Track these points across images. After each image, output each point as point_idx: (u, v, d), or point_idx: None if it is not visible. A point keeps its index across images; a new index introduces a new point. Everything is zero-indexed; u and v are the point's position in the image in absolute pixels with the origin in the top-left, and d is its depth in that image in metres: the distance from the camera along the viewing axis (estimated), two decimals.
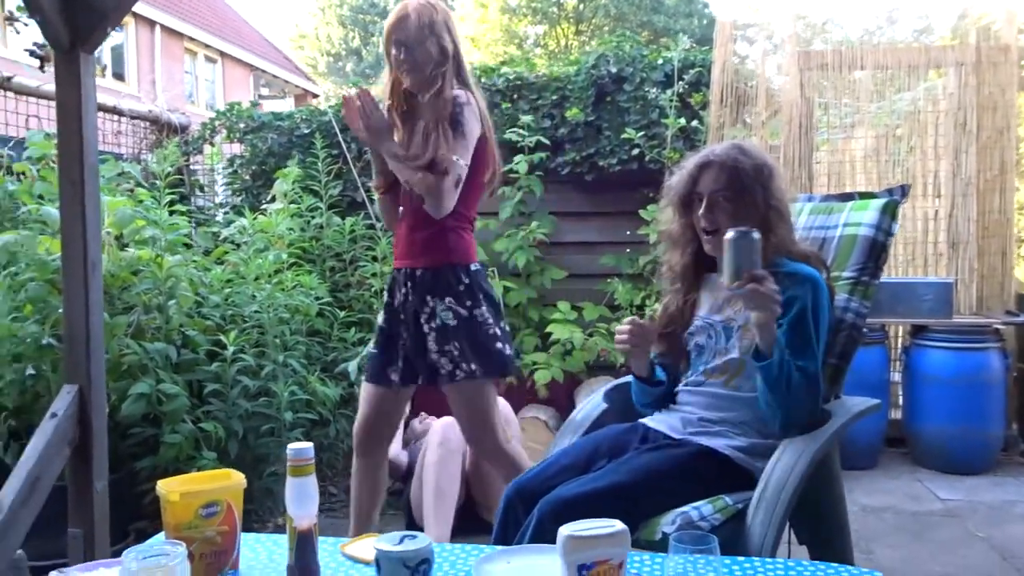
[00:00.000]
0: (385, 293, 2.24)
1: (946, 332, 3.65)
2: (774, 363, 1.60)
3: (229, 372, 2.84)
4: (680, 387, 1.87)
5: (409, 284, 2.12)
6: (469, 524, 2.69)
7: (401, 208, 2.18)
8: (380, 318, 2.23)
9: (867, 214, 1.94)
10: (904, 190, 1.95)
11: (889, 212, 1.92)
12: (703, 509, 1.56)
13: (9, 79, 3.47)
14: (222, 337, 2.86)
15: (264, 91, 16.93)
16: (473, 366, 2.07)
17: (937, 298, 3.71)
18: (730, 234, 1.58)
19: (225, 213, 4.62)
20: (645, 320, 1.84)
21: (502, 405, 2.72)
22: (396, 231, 2.22)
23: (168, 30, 14.51)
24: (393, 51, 2.06)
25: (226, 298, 3.17)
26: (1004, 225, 4.13)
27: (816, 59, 4.30)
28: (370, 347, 2.30)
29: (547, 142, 4.31)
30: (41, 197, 2.88)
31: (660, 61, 4.32)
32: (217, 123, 4.86)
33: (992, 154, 4.12)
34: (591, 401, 2.10)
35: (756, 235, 1.57)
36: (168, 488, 1.30)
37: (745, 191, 1.73)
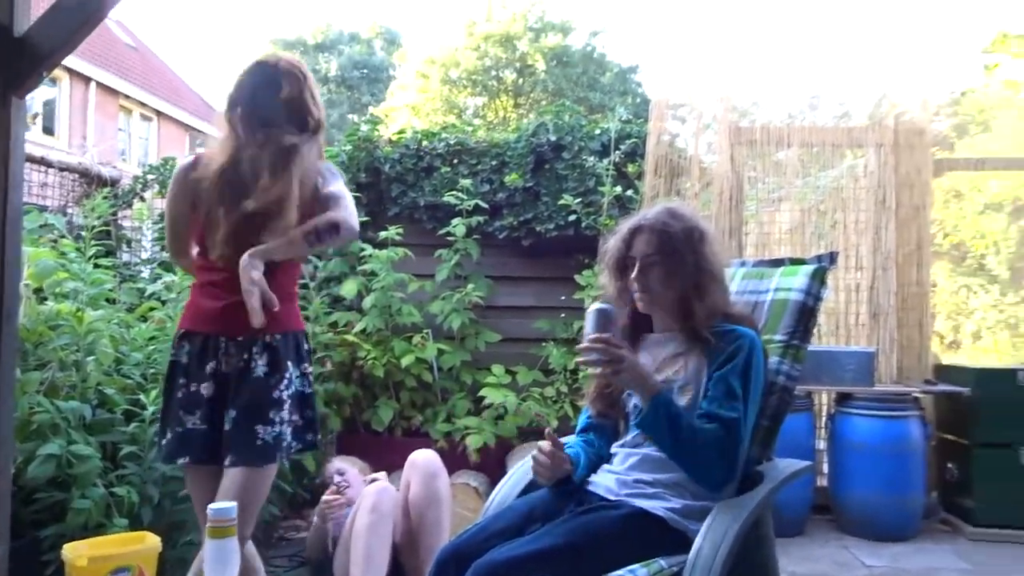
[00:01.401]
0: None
1: (869, 400, 3.75)
2: (660, 417, 1.62)
3: (147, 433, 2.71)
4: (616, 447, 1.85)
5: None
6: None
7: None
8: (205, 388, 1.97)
9: (797, 279, 2.00)
10: (832, 257, 2.02)
11: (818, 278, 1.98)
12: (638, 572, 1.53)
13: None
14: (142, 396, 2.73)
15: (200, 150, 16.74)
16: None
17: (859, 367, 3.82)
18: (591, 308, 1.67)
19: (152, 269, 4.49)
20: (555, 449, 1.78)
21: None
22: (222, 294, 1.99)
23: (104, 87, 14.33)
24: None
25: (149, 356, 3.05)
26: (921, 298, 4.32)
27: (746, 135, 4.49)
28: (196, 422, 1.95)
29: (485, 206, 4.35)
30: None
31: (598, 131, 4.45)
32: (149, 177, 4.76)
33: (910, 230, 4.33)
34: (524, 464, 2.07)
35: (611, 310, 1.66)
36: (75, 552, 1.22)
37: (675, 254, 1.77)
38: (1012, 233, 6.86)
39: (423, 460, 2.70)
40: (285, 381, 1.96)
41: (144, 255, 4.76)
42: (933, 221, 4.66)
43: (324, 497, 2.80)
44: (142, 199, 4.74)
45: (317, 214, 1.90)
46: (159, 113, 16.04)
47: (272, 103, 1.94)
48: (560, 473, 1.78)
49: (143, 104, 15.54)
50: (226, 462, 1.89)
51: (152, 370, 2.98)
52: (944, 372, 4.17)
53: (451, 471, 3.79)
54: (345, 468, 3.15)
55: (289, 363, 1.98)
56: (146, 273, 4.50)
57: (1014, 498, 3.63)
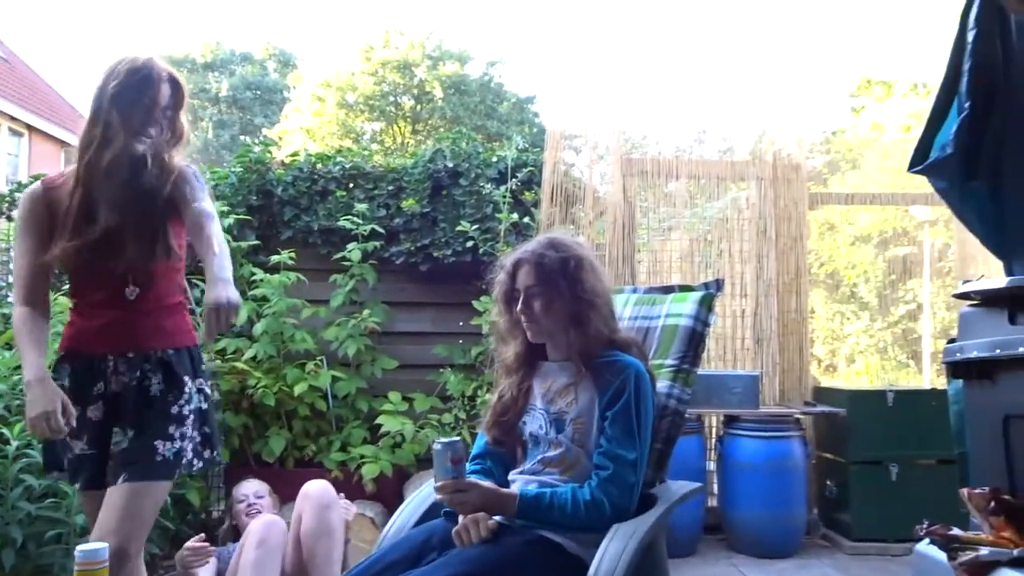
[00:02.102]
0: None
1: (754, 421, 3.90)
2: (533, 519, 1.67)
3: (11, 470, 2.52)
4: (515, 474, 1.85)
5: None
6: None
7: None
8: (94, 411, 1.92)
9: (686, 306, 2.06)
10: (719, 284, 2.10)
11: (706, 304, 2.05)
12: None
13: None
14: (4, 430, 2.53)
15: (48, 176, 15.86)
16: None
17: (745, 390, 3.98)
18: (436, 446, 1.67)
19: None
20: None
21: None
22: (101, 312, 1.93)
23: None
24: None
25: (13, 387, 2.83)
26: (800, 324, 4.55)
27: (637, 166, 4.63)
28: (83, 447, 1.91)
29: (382, 231, 4.30)
30: None
31: (495, 159, 4.49)
32: (17, 195, 4.46)
33: (789, 259, 4.56)
34: (420, 493, 2.03)
35: (451, 443, 1.65)
36: None
37: (551, 284, 1.80)
38: (879, 263, 7.33)
39: (315, 491, 2.62)
40: (185, 396, 1.91)
41: (10, 279, 4.44)
42: (810, 251, 4.93)
43: (188, 544, 2.62)
44: (9, 219, 4.43)
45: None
46: (31, 128, 15.09)
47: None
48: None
49: (13, 118, 14.59)
50: (119, 479, 1.80)
51: (17, 401, 2.77)
52: (822, 394, 4.39)
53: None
54: (264, 492, 3.10)
55: (186, 378, 1.93)
56: (11, 297, 4.19)
57: (887, 513, 3.84)
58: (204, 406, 1.98)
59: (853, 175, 10.96)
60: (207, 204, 1.88)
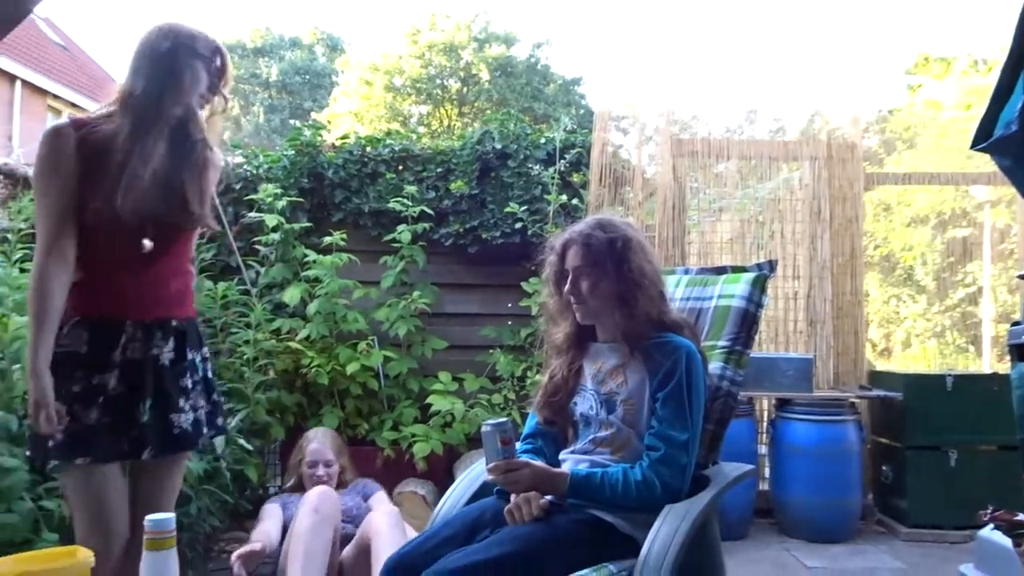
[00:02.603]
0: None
1: (807, 405, 3.85)
2: (584, 499, 1.68)
3: None
4: (565, 454, 1.86)
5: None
6: None
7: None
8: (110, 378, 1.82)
9: (739, 287, 2.04)
10: (772, 265, 2.07)
11: (759, 285, 2.02)
12: None
13: None
14: None
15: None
16: None
17: (798, 373, 3.92)
18: (485, 428, 1.70)
19: None
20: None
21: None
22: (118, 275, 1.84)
23: (30, 86, 13.81)
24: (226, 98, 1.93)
25: None
26: (856, 306, 4.46)
27: (687, 147, 4.57)
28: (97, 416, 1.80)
29: (431, 213, 4.33)
30: None
31: (543, 140, 4.47)
32: None
33: (844, 241, 4.47)
34: (472, 471, 2.06)
35: (500, 425, 1.69)
36: (1, 569, 1.15)
37: (598, 265, 1.80)
38: (937, 245, 7.14)
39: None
40: (193, 367, 1.91)
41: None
42: (865, 233, 4.82)
43: (241, 552, 2.56)
44: None
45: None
46: None
47: None
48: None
49: (73, 105, 15.01)
50: (145, 455, 1.80)
51: None
52: (878, 378, 4.30)
53: (398, 479, 3.77)
54: (333, 461, 3.10)
55: (192, 350, 1.91)
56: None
57: (944, 499, 3.76)
58: (209, 375, 1.98)
59: (909, 155, 10.65)
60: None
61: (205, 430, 1.92)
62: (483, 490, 1.94)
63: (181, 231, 1.88)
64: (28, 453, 1.90)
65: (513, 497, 1.70)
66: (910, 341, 7.92)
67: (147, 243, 1.78)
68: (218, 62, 1.88)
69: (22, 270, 2.87)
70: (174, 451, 1.88)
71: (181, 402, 1.86)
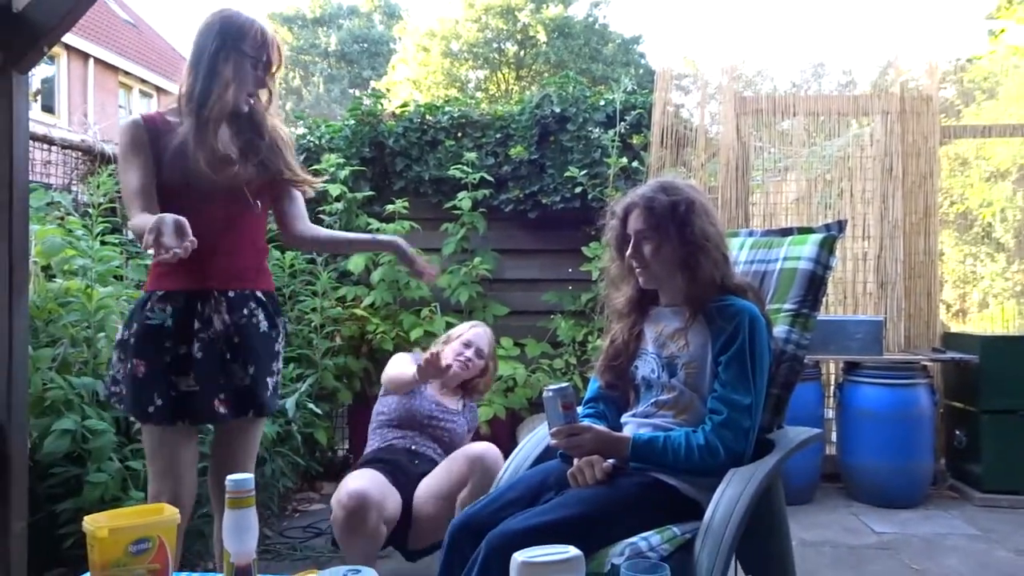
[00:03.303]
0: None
1: (877, 369, 3.76)
2: (646, 463, 1.69)
3: None
4: (627, 417, 1.87)
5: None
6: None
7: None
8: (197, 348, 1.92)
9: (806, 248, 1.99)
10: (841, 225, 2.01)
11: (827, 247, 1.98)
12: (651, 539, 1.55)
13: None
14: None
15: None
16: None
17: (867, 336, 3.83)
18: (547, 393, 1.72)
19: None
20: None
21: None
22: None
23: (102, 63, 14.24)
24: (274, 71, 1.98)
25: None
26: (929, 267, 4.31)
27: (751, 105, 4.45)
28: (191, 383, 1.91)
29: (491, 179, 4.34)
30: None
31: (602, 103, 4.42)
32: None
33: (916, 199, 4.31)
34: (535, 435, 2.09)
35: (562, 390, 1.71)
36: (95, 523, 1.23)
37: (660, 228, 1.78)
38: (1018, 201, 6.81)
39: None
40: (280, 335, 2.03)
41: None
42: (940, 189, 4.63)
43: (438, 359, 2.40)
44: None
45: None
46: (158, 89, 15.95)
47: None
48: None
49: (142, 80, 15.46)
50: (249, 414, 1.95)
51: None
52: (952, 340, 4.17)
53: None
54: (485, 356, 2.85)
55: (279, 319, 2.04)
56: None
57: (1021, 464, 3.64)
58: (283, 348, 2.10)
59: (989, 106, 10.13)
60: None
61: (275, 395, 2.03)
62: (546, 453, 1.97)
63: (246, 213, 1.95)
64: (120, 407, 2.01)
65: (576, 461, 1.72)
66: (987, 301, 7.61)
67: (228, 230, 1.92)
68: (265, 58, 1.94)
69: (103, 243, 3.00)
70: (270, 411, 2.00)
71: (273, 366, 2.00)
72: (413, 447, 2.64)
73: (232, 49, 1.90)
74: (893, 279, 4.29)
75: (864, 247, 4.40)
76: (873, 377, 3.75)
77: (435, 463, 2.56)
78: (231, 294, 1.93)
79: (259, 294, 1.99)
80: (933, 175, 4.33)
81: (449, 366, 2.60)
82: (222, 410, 1.90)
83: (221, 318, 1.91)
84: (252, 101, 1.97)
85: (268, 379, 1.97)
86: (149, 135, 1.90)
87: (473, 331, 2.87)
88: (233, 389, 1.91)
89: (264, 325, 1.97)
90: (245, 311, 1.94)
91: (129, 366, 1.88)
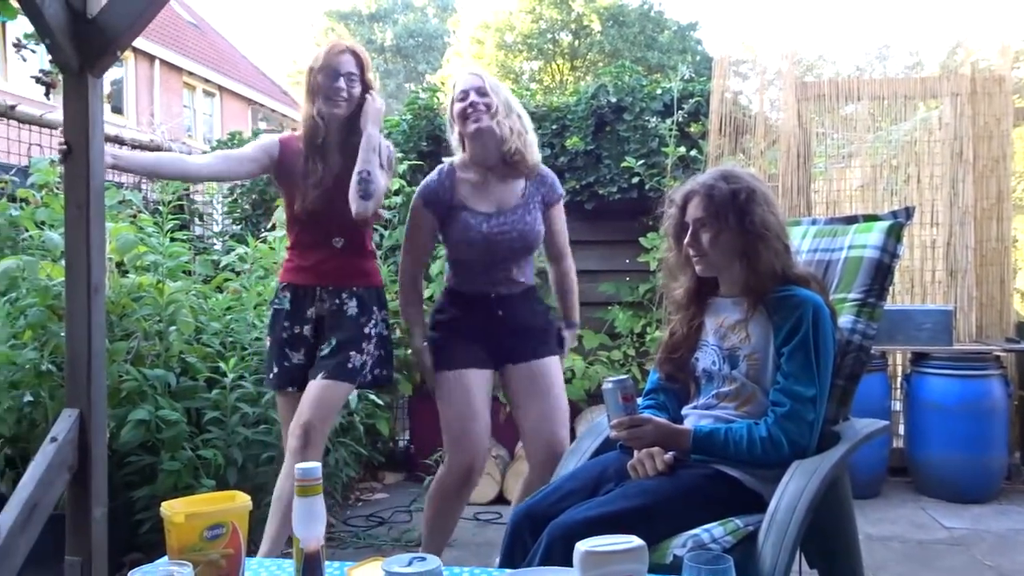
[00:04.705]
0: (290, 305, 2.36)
1: (947, 359, 3.65)
2: (708, 454, 1.68)
3: (228, 399, 2.82)
4: (688, 409, 1.86)
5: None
6: None
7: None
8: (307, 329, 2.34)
9: (872, 236, 1.94)
10: (909, 212, 1.96)
11: (894, 234, 1.92)
12: (714, 531, 1.54)
13: (13, 107, 3.49)
14: (221, 364, 2.83)
15: (262, 124, 17.05)
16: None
17: (936, 326, 3.71)
18: (607, 385, 1.73)
19: (224, 241, 4.62)
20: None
21: None
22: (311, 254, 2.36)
23: (167, 64, 14.65)
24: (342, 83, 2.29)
25: (226, 325, 3.15)
26: (1002, 253, 4.16)
27: (813, 90, 4.35)
28: (299, 358, 2.35)
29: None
30: (43, 223, 2.88)
31: (659, 91, 4.37)
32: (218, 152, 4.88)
33: (988, 183, 4.15)
34: (595, 426, 2.09)
35: (621, 383, 1.72)
36: (172, 509, 1.28)
37: (720, 216, 1.75)
38: None
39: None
40: (372, 321, 2.34)
41: (216, 228, 4.90)
42: (1013, 173, 4.46)
43: None
44: None
45: None
46: (221, 88, 16.35)
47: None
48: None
49: (206, 80, 15.86)
50: (319, 376, 2.24)
51: (230, 339, 3.09)
52: None
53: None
54: (483, 85, 2.39)
55: (374, 308, 2.36)
56: (219, 245, 4.63)
57: None
58: (385, 333, 2.40)
59: None
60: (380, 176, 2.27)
61: (369, 374, 2.33)
62: (605, 445, 1.98)
63: (352, 224, 2.28)
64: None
65: (636, 452, 1.72)
66: None
67: (337, 241, 2.33)
68: (340, 82, 2.28)
69: (172, 239, 3.10)
70: (339, 376, 2.25)
71: (363, 344, 2.30)
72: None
73: (317, 79, 2.31)
74: (963, 267, 4.15)
75: (932, 234, 4.26)
76: (943, 368, 3.64)
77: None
78: (330, 288, 2.32)
79: (355, 288, 2.33)
80: (1006, 158, 4.17)
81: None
82: (310, 376, 2.30)
83: (321, 306, 2.32)
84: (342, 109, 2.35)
85: (351, 352, 2.28)
86: (279, 159, 2.37)
87: (461, 78, 2.45)
88: (320, 359, 2.29)
89: (353, 311, 2.31)
90: (337, 300, 2.31)
91: (268, 341, 2.40)
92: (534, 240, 2.43)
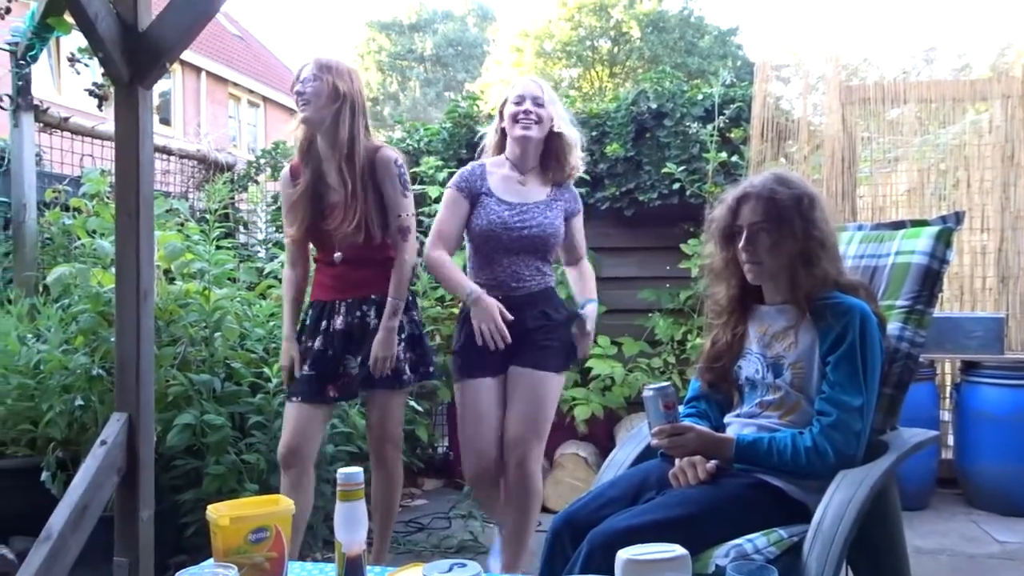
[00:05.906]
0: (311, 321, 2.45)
1: (999, 368, 3.54)
2: (750, 463, 1.67)
3: (272, 404, 2.85)
4: (731, 418, 1.83)
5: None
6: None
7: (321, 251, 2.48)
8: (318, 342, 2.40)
9: (920, 242, 1.90)
10: (959, 217, 1.92)
11: (943, 240, 1.88)
12: (757, 542, 1.52)
13: (66, 119, 3.60)
14: (265, 369, 2.87)
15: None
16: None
17: (987, 333, 3.61)
18: (647, 392, 1.73)
19: (267, 249, 4.70)
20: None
21: None
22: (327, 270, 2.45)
23: (213, 76, 14.96)
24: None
25: (270, 331, 3.20)
26: None
27: (858, 93, 4.27)
28: (305, 370, 2.41)
29: (586, 177, 4.32)
30: (94, 232, 2.96)
31: (700, 97, 4.33)
32: (262, 161, 4.97)
33: None
34: (635, 434, 2.07)
35: (663, 390, 1.72)
36: (218, 512, 1.30)
37: (783, 222, 1.71)
38: None
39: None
40: (399, 327, 2.37)
41: (260, 236, 4.99)
42: None
43: None
44: (256, 183, 4.96)
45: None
46: (265, 99, 16.65)
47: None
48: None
49: (250, 91, 16.16)
50: (360, 394, 2.45)
51: (273, 344, 3.13)
52: None
53: (559, 442, 3.85)
54: (541, 96, 2.45)
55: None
56: (262, 253, 4.71)
57: None
58: (416, 333, 2.47)
59: None
60: (404, 206, 2.35)
61: (411, 375, 2.42)
62: (646, 453, 1.96)
63: (355, 243, 2.35)
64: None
65: (678, 461, 1.70)
66: None
67: (337, 255, 2.39)
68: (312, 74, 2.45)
69: (218, 247, 3.16)
70: (382, 387, 2.38)
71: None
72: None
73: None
74: (1016, 273, 4.03)
75: (983, 240, 4.15)
76: (994, 377, 3.54)
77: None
78: (348, 300, 2.38)
79: (373, 296, 2.38)
80: None
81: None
82: (332, 393, 2.40)
83: (341, 319, 2.38)
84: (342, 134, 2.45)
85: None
86: (292, 183, 2.46)
87: (521, 83, 2.49)
88: (346, 377, 2.38)
89: (374, 322, 2.36)
90: (358, 312, 2.38)
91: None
92: (552, 235, 2.45)
